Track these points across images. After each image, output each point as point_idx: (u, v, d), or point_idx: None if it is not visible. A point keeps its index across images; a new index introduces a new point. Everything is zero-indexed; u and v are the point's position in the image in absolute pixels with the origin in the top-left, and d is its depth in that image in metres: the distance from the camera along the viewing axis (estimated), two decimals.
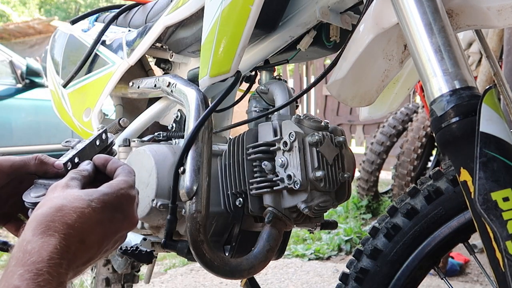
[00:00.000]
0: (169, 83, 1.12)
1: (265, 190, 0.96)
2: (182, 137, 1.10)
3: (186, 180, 0.95)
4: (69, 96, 1.45)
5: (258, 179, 0.97)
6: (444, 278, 0.87)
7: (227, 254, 1.03)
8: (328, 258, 2.93)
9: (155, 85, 1.19)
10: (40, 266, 0.49)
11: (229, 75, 0.96)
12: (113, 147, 0.75)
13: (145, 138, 1.19)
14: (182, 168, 0.97)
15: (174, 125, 1.13)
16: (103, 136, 0.72)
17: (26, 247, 0.51)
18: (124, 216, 0.61)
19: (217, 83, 1.05)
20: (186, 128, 1.02)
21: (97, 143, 0.71)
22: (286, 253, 2.45)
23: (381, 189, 4.27)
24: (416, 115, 3.47)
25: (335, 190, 0.98)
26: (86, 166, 0.65)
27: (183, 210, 0.97)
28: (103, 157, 0.67)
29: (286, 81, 1.11)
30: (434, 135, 0.68)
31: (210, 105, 1.00)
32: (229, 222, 1.05)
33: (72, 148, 0.69)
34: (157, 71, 1.43)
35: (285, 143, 0.94)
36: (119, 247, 1.04)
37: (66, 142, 0.72)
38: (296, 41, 1.06)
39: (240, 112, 1.40)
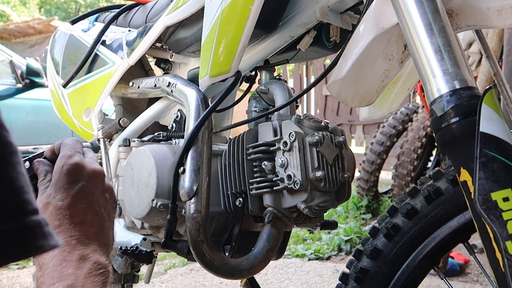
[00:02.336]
0: (169, 83, 1.12)
1: (265, 190, 0.96)
2: (182, 137, 1.10)
3: (186, 180, 0.95)
4: (69, 96, 1.45)
5: (258, 179, 0.97)
6: (444, 278, 0.87)
7: (227, 254, 1.03)
8: (328, 258, 2.93)
9: (155, 85, 1.19)
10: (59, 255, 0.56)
11: (229, 75, 0.96)
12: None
13: (145, 138, 1.19)
14: (182, 168, 0.97)
15: (174, 125, 1.13)
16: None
17: None
18: (87, 179, 0.64)
19: (217, 83, 1.05)
20: (186, 128, 1.02)
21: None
22: (286, 253, 2.45)
23: (381, 189, 4.27)
24: (416, 115, 3.47)
25: (335, 190, 0.98)
26: (45, 167, 0.68)
27: (183, 210, 0.97)
28: (51, 148, 0.70)
29: (286, 81, 1.11)
30: (434, 135, 0.68)
31: (210, 105, 1.00)
32: (229, 222, 1.05)
33: None
34: (157, 71, 1.43)
35: (285, 143, 0.94)
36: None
37: None
38: (296, 41, 1.06)
39: (240, 112, 1.40)
